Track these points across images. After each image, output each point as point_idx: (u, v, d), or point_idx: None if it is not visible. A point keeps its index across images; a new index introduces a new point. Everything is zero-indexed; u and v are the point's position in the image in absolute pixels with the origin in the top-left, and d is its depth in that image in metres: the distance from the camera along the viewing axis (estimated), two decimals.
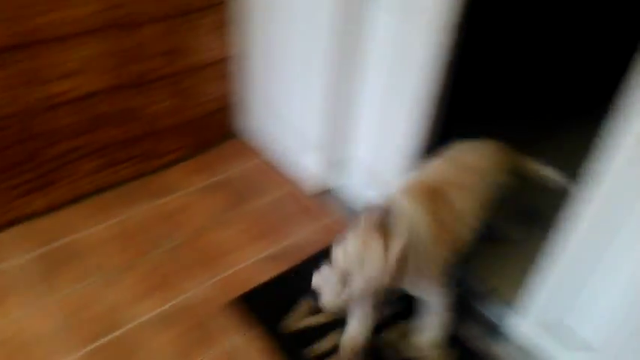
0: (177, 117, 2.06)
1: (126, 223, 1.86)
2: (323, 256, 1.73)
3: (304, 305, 1.59)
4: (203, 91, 2.10)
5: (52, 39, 1.58)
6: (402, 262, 1.25)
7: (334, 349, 1.48)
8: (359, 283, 1.24)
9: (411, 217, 1.29)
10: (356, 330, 1.47)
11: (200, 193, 2.03)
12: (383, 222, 1.27)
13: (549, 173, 1.69)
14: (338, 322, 1.53)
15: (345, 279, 1.24)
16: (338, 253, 1.27)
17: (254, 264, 1.76)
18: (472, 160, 1.52)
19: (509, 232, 1.79)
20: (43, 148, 1.75)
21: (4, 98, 1.58)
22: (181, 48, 1.92)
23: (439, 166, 1.51)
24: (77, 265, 1.70)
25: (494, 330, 1.59)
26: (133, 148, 1.99)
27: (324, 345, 1.49)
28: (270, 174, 2.16)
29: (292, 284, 1.69)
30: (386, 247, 1.23)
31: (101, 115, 1.82)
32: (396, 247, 1.23)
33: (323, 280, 1.29)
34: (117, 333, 1.51)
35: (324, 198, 2.04)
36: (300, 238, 1.87)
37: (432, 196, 1.37)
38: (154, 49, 1.84)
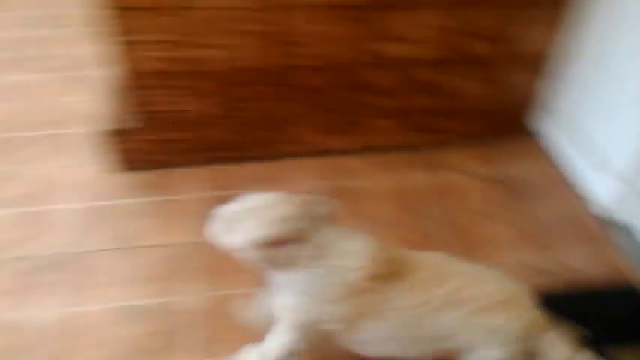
0: (478, 101, 2.07)
1: (403, 184, 1.99)
2: (600, 294, 1.66)
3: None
4: (511, 82, 2.07)
5: (410, 4, 1.73)
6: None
7: None
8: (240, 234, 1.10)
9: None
10: None
11: (480, 181, 2.03)
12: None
13: None
14: None
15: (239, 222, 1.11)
16: (263, 198, 1.15)
17: (517, 267, 1.71)
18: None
19: None
20: (358, 98, 1.97)
21: (347, 49, 1.81)
22: (507, 35, 1.90)
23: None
24: (351, 208, 1.88)
25: None
26: (429, 120, 2.09)
27: None
28: (555, 183, 2.04)
29: (557, 305, 1.58)
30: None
31: (416, 82, 1.95)
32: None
33: (230, 211, 1.15)
34: None
35: (612, 229, 1.85)
36: (571, 261, 1.75)
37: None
38: (483, 31, 1.87)
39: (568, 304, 1.67)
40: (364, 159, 2.10)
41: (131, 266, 1.65)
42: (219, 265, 1.65)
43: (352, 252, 1.12)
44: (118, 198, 1.88)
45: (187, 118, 1.88)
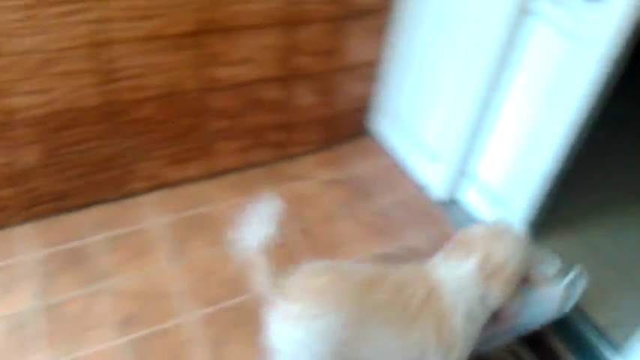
0: (317, 111, 2.15)
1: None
2: None
3: None
4: (346, 91, 2.17)
5: (234, 28, 1.73)
6: None
7: None
8: None
9: None
10: None
11: (327, 185, 2.12)
12: None
13: None
14: None
15: None
16: None
17: (365, 259, 1.80)
18: None
19: None
20: (199, 124, 1.93)
21: (182, 76, 1.76)
22: (337, 48, 1.99)
23: None
24: (207, 234, 1.85)
25: None
26: (274, 135, 2.12)
27: None
28: (395, 176, 2.19)
29: None
30: None
31: (255, 102, 1.97)
32: None
33: None
34: (237, 300, 1.64)
35: (447, 207, 2.03)
36: (415, 243, 1.89)
37: None
38: (313, 47, 1.93)
39: None
40: (215, 183, 2.07)
41: None
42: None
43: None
44: None
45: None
